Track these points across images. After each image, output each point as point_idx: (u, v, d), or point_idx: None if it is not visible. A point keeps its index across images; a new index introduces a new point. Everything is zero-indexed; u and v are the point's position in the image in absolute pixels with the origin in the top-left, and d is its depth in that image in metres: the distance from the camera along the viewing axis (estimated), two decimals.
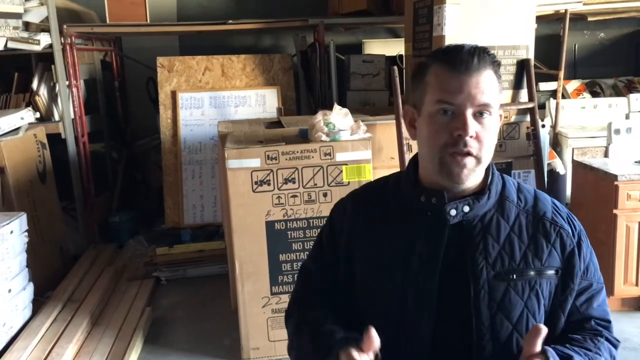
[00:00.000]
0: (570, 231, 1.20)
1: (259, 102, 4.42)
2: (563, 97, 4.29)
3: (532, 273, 1.15)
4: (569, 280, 1.18)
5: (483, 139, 1.12)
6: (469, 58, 1.10)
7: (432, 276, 1.15)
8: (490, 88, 1.12)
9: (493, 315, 1.13)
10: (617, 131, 3.35)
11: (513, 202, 1.21)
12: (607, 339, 1.20)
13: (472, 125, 1.10)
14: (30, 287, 3.04)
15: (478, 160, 1.12)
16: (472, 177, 1.14)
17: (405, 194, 1.23)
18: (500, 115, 1.19)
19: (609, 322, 1.23)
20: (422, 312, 1.15)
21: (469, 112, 1.10)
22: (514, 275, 1.15)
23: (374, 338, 1.05)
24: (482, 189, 1.19)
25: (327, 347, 1.12)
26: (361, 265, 1.24)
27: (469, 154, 1.11)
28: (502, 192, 1.21)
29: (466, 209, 1.16)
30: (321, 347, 1.14)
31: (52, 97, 4.03)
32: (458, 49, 1.13)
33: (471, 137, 1.10)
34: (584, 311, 1.20)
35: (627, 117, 4.25)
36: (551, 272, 1.17)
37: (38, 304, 3.09)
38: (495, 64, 1.14)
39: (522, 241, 1.17)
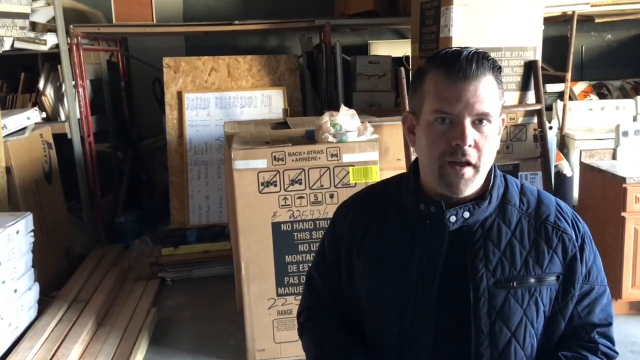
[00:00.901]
0: (573, 235, 1.18)
1: (265, 103, 4.41)
2: (570, 98, 4.27)
3: (532, 280, 1.14)
4: (570, 286, 1.16)
5: (482, 147, 1.10)
6: (467, 65, 1.07)
7: (431, 283, 1.14)
8: (489, 95, 1.09)
9: (492, 322, 1.12)
10: (625, 133, 3.33)
11: (515, 206, 1.19)
12: (603, 353, 1.18)
13: (471, 135, 1.08)
14: (36, 287, 3.04)
15: (477, 169, 1.11)
16: (470, 186, 1.12)
17: (405, 200, 1.22)
18: (503, 120, 1.17)
19: (610, 324, 1.21)
20: (421, 319, 1.14)
21: (468, 121, 1.08)
22: (514, 283, 1.13)
23: None
24: (483, 193, 1.17)
25: None
26: (362, 271, 1.23)
27: (467, 163, 1.09)
28: (504, 196, 1.19)
29: (466, 214, 1.15)
30: None
31: (58, 97, 4.04)
32: (456, 55, 1.09)
33: (469, 146, 1.08)
34: (584, 317, 1.19)
35: (635, 119, 4.22)
36: (552, 278, 1.15)
37: (43, 304, 3.10)
38: (496, 69, 1.11)
39: (524, 247, 1.15)
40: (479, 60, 1.08)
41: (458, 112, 1.08)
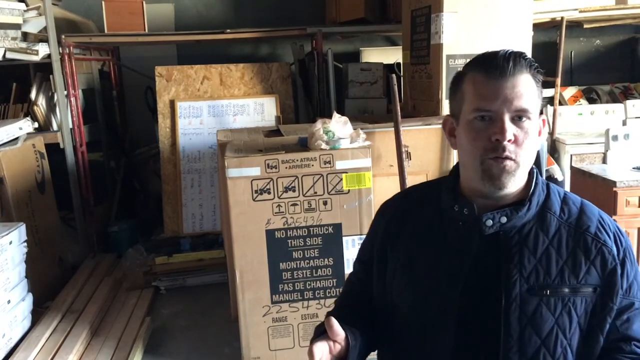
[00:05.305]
0: (614, 248, 1.16)
1: (258, 111, 4.42)
2: (560, 103, 4.31)
3: (566, 290, 1.13)
4: (608, 299, 1.14)
5: (522, 143, 1.11)
6: (504, 63, 1.10)
7: (456, 284, 1.15)
8: (527, 92, 1.11)
9: (522, 328, 1.12)
10: (615, 137, 3.36)
11: (555, 214, 1.18)
12: None
13: (510, 130, 1.10)
14: (30, 298, 3.03)
15: (517, 164, 1.12)
16: (512, 181, 1.13)
17: (442, 200, 1.24)
18: (544, 121, 1.19)
19: None
20: (444, 318, 1.15)
21: (507, 117, 1.10)
22: (548, 291, 1.12)
23: (335, 328, 1.10)
24: (523, 199, 1.17)
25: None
26: (394, 267, 1.25)
27: (507, 158, 1.11)
28: (544, 203, 1.19)
29: (503, 219, 1.15)
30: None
31: (51, 107, 4.03)
32: (493, 54, 1.14)
33: (509, 141, 1.10)
34: (623, 331, 1.15)
35: (624, 123, 4.27)
36: (588, 290, 1.13)
37: (37, 315, 3.08)
38: (533, 68, 1.13)
39: (560, 256, 1.14)
40: (516, 59, 1.11)
41: (497, 108, 1.10)
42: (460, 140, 1.18)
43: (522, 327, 1.12)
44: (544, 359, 1.12)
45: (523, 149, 1.11)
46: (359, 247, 1.43)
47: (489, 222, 1.15)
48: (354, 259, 1.44)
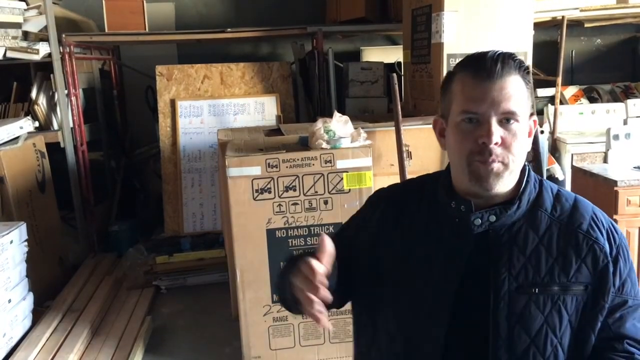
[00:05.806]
0: (606, 245, 1.14)
1: (258, 110, 4.42)
2: (561, 103, 4.31)
3: (555, 288, 1.12)
4: (599, 297, 1.12)
5: (510, 145, 1.10)
6: (492, 65, 1.09)
7: (451, 282, 1.14)
8: (515, 94, 1.10)
9: (511, 327, 1.11)
10: (616, 137, 3.35)
11: (546, 212, 1.17)
12: None
13: (497, 133, 1.09)
14: (30, 297, 3.03)
15: (506, 166, 1.11)
16: (501, 183, 1.12)
17: (439, 197, 1.23)
18: (535, 122, 1.17)
19: None
20: (436, 315, 1.14)
21: (494, 120, 1.09)
22: (536, 289, 1.12)
23: (327, 245, 1.05)
24: (514, 197, 1.16)
25: (290, 266, 1.13)
26: (389, 262, 1.22)
27: (494, 161, 1.10)
28: (535, 201, 1.18)
29: (492, 218, 1.15)
30: (287, 268, 1.16)
31: (51, 106, 4.03)
32: (482, 56, 1.12)
33: (496, 144, 1.09)
34: (615, 329, 1.13)
35: (625, 122, 4.26)
36: (579, 288, 1.12)
37: (38, 314, 3.08)
38: (522, 69, 1.12)
39: (550, 254, 1.13)
40: (505, 60, 1.10)
41: (484, 111, 1.09)
42: (448, 142, 1.18)
43: (511, 325, 1.11)
44: (533, 357, 1.11)
45: (511, 151, 1.10)
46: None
47: (478, 221, 1.15)
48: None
